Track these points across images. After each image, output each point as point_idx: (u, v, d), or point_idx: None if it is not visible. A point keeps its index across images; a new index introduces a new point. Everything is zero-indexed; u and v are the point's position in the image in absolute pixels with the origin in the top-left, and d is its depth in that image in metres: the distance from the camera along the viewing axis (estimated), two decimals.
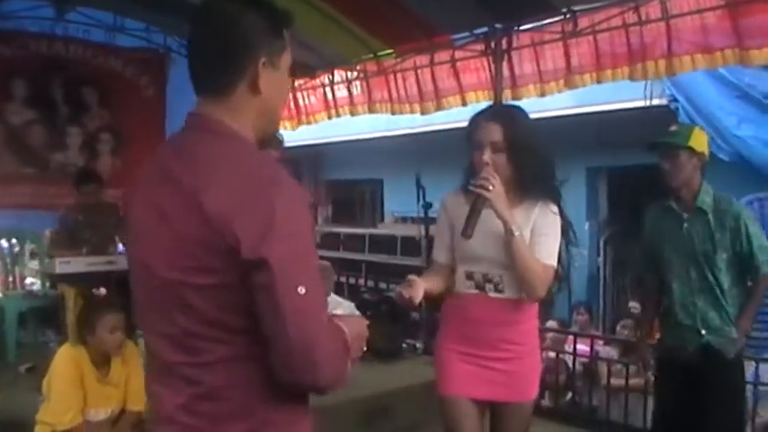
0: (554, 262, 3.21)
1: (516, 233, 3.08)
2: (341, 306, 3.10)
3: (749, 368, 5.18)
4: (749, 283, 4.17)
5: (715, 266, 4.07)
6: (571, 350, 6.96)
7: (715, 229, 4.06)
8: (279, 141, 4.53)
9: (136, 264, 1.90)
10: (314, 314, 1.72)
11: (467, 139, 3.26)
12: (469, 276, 3.31)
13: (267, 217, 1.67)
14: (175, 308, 1.76)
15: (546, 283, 3.19)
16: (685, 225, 4.13)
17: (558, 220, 3.24)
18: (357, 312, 3.25)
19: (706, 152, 4.12)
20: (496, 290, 3.26)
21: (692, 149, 4.03)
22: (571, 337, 7.21)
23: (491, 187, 3.04)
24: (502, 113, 3.34)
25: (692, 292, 4.14)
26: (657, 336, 4.53)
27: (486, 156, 3.12)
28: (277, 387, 1.77)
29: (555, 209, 3.24)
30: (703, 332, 4.10)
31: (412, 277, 3.10)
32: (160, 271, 1.78)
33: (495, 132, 3.13)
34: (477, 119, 3.26)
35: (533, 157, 3.16)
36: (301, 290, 1.68)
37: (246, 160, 1.79)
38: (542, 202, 3.21)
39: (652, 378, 4.67)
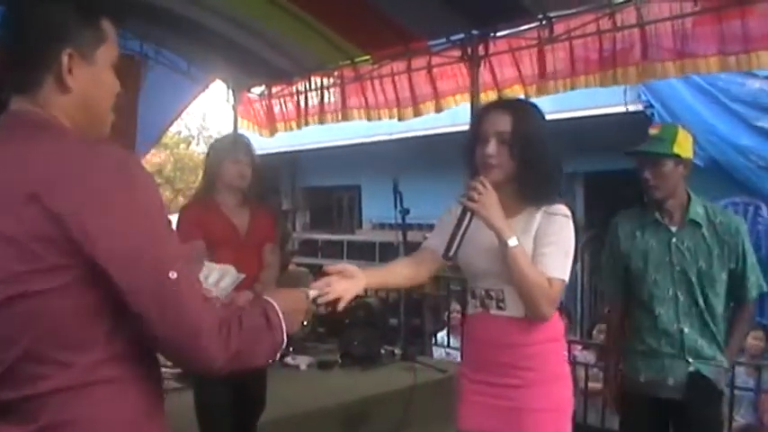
0: (563, 275, 2.80)
1: (512, 245, 2.70)
2: (214, 271, 3.02)
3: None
4: (735, 308, 3.75)
5: (710, 288, 3.59)
6: None
7: (712, 245, 3.59)
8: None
9: None
10: (191, 298, 1.63)
11: (471, 133, 2.94)
12: (473, 294, 2.99)
13: (121, 208, 1.57)
14: (10, 330, 1.56)
15: (552, 300, 2.79)
16: (674, 240, 3.64)
17: (567, 226, 2.86)
18: (236, 274, 3.15)
19: (691, 156, 3.71)
20: (498, 307, 2.89)
21: (677, 157, 3.61)
22: None
23: (476, 196, 2.70)
24: (513, 104, 3.05)
25: (679, 317, 3.62)
26: (620, 367, 3.94)
27: (491, 148, 2.79)
28: (124, 420, 1.65)
29: (563, 212, 2.87)
30: (690, 360, 3.59)
31: (327, 280, 2.58)
32: None
33: (503, 122, 2.81)
34: (484, 109, 3.02)
35: (541, 155, 2.81)
36: (172, 274, 1.59)
37: (84, 153, 1.64)
38: (547, 205, 2.85)
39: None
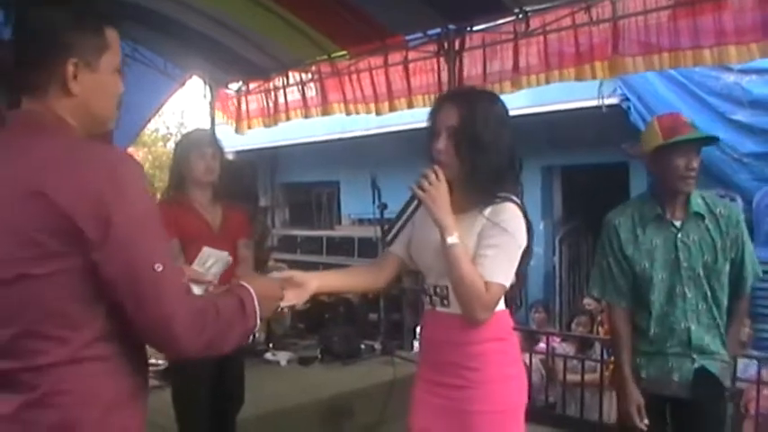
0: (503, 280, 2.65)
1: (450, 242, 2.60)
2: (211, 257, 3.07)
3: None
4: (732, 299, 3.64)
5: (716, 281, 3.52)
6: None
7: (716, 237, 3.51)
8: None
9: None
10: (170, 290, 1.78)
11: (428, 126, 2.81)
12: (425, 291, 2.89)
13: (115, 201, 1.71)
14: (11, 308, 1.74)
15: (488, 303, 2.64)
16: (679, 236, 3.54)
17: (514, 227, 2.68)
18: (228, 259, 3.20)
19: None
20: (443, 304, 2.79)
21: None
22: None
23: (426, 185, 2.62)
24: (462, 94, 2.99)
25: (687, 315, 3.53)
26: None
27: (440, 143, 2.70)
28: (111, 395, 1.82)
29: (512, 212, 2.69)
30: (695, 357, 3.52)
31: (291, 275, 2.67)
32: None
33: (451, 116, 2.70)
34: (438, 101, 2.90)
35: (488, 154, 2.66)
36: (158, 267, 1.75)
37: (85, 152, 1.80)
38: (494, 206, 2.68)
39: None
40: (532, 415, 6.29)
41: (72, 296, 1.74)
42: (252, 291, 2.00)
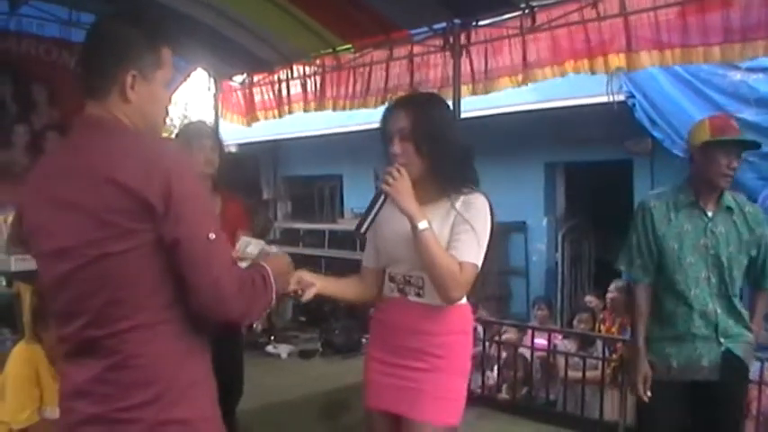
0: (475, 260, 2.90)
1: (421, 227, 2.82)
2: (251, 244, 3.16)
3: None
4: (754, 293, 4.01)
5: (737, 270, 3.79)
6: (529, 344, 7.03)
7: (742, 231, 3.80)
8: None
9: (46, 256, 2.13)
10: (220, 257, 2.09)
11: (381, 133, 3.09)
12: (392, 279, 3.11)
13: (179, 181, 2.00)
14: (96, 282, 2.00)
15: (462, 284, 2.89)
16: (709, 225, 3.79)
17: (483, 215, 2.96)
18: (268, 248, 3.33)
19: None
20: (417, 294, 3.02)
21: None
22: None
23: (391, 181, 2.85)
24: (408, 100, 3.21)
25: (712, 298, 3.76)
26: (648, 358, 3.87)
27: (396, 147, 2.96)
28: (180, 353, 2.11)
29: (481, 202, 2.98)
30: (722, 340, 3.73)
31: (300, 275, 3.00)
32: (78, 252, 2.01)
33: (400, 119, 2.97)
34: (387, 109, 3.13)
35: (443, 145, 2.94)
36: (212, 236, 2.06)
37: (146, 144, 2.12)
38: (466, 195, 2.97)
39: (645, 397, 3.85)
40: (533, 413, 6.33)
41: (146, 268, 2.01)
42: (268, 268, 2.25)
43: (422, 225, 2.83)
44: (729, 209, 3.81)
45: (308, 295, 3.04)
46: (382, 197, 2.91)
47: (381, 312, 3.20)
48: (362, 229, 2.96)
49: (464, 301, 3.07)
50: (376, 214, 2.94)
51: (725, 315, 3.76)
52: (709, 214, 3.80)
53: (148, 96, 2.17)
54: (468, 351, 3.15)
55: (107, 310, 2.02)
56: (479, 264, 2.92)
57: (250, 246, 3.51)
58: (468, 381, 3.20)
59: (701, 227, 3.79)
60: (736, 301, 3.80)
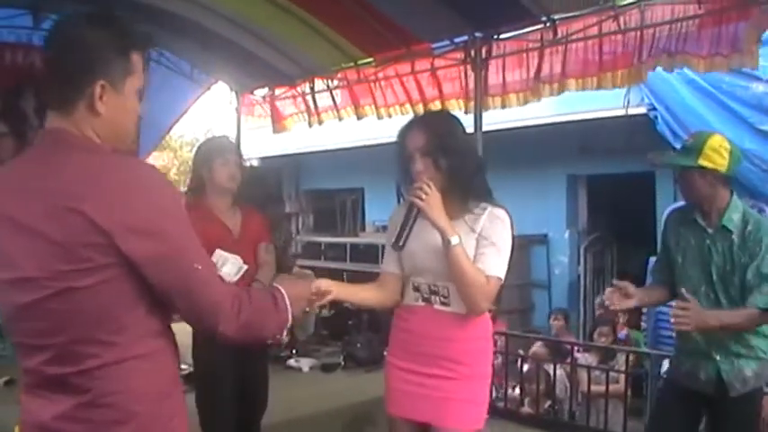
0: (500, 273, 3.05)
1: (454, 243, 2.95)
2: (228, 261, 3.16)
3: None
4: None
5: (733, 288, 3.68)
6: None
7: (741, 252, 3.67)
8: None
9: (3, 284, 1.91)
10: (212, 283, 2.00)
11: (399, 153, 3.22)
12: (416, 288, 3.22)
13: (155, 219, 1.89)
14: (61, 317, 1.85)
15: (488, 296, 3.05)
16: (707, 242, 3.76)
17: (506, 229, 3.11)
18: (241, 265, 3.31)
19: (725, 163, 3.68)
20: (442, 302, 3.14)
21: (702, 168, 3.67)
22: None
23: (423, 196, 2.96)
24: (424, 119, 3.42)
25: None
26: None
27: (418, 165, 3.08)
28: (157, 387, 1.98)
29: (504, 216, 3.12)
30: (717, 357, 3.71)
31: (318, 283, 2.99)
32: (41, 284, 1.84)
33: (418, 138, 3.10)
34: (403, 129, 3.25)
35: (459, 159, 3.08)
36: (197, 266, 1.96)
37: (116, 168, 1.92)
38: (492, 209, 3.12)
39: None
40: (556, 426, 6.30)
41: (115, 303, 1.87)
42: (282, 289, 2.19)
43: (454, 240, 2.95)
44: (727, 229, 3.71)
45: (324, 301, 3.06)
46: (415, 210, 3.02)
47: (405, 321, 3.28)
48: (401, 243, 3.07)
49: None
50: (411, 228, 3.05)
51: (723, 332, 3.68)
52: (710, 231, 3.77)
53: (119, 107, 1.98)
54: (489, 356, 3.28)
55: (73, 347, 1.86)
56: (502, 275, 3.06)
57: (227, 264, 3.53)
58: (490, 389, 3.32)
59: (702, 244, 3.79)
60: None
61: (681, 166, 3.76)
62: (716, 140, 3.71)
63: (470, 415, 3.13)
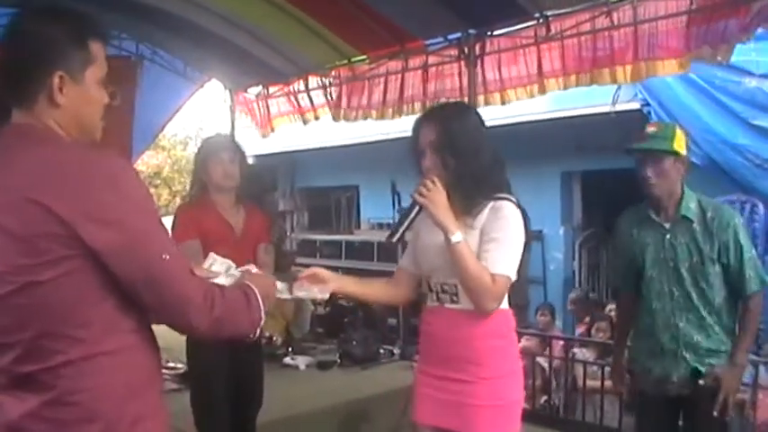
0: (507, 271, 2.88)
1: (456, 240, 2.82)
2: (216, 262, 3.20)
3: None
4: (740, 304, 3.73)
5: (704, 281, 3.63)
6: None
7: (702, 240, 3.62)
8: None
9: None
10: (181, 273, 1.94)
11: (411, 145, 3.11)
12: (430, 288, 3.11)
13: (118, 207, 1.84)
14: (25, 312, 1.82)
15: (496, 294, 2.87)
16: (667, 237, 3.71)
17: (513, 222, 2.94)
18: (232, 265, 3.39)
19: (687, 153, 3.76)
20: (452, 300, 3.01)
21: (677, 154, 3.66)
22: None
23: (426, 192, 2.86)
24: (436, 112, 3.24)
25: (674, 312, 3.69)
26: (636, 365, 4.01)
27: (428, 160, 2.99)
28: (123, 386, 1.91)
29: (509, 208, 2.95)
30: (687, 356, 3.67)
31: (312, 270, 3.01)
32: (3, 279, 1.81)
33: (430, 132, 3.00)
34: (417, 121, 3.14)
35: (468, 155, 2.95)
36: (165, 256, 1.89)
37: (81, 161, 1.88)
38: (494, 203, 2.95)
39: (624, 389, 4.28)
40: (552, 422, 6.31)
41: (79, 296, 1.83)
42: (254, 287, 2.15)
43: (455, 238, 2.83)
44: (687, 218, 3.68)
45: (322, 294, 3.00)
46: (416, 207, 2.93)
47: (425, 324, 3.18)
48: (394, 239, 3.02)
49: (504, 305, 3.01)
50: (409, 224, 2.99)
51: (692, 330, 3.67)
52: (667, 226, 3.74)
53: (80, 98, 1.97)
54: (510, 353, 3.09)
55: (39, 342, 1.82)
56: (511, 273, 2.90)
57: (215, 264, 3.56)
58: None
59: (660, 240, 3.74)
60: (706, 313, 3.66)
61: (661, 150, 3.67)
62: (680, 130, 3.79)
63: (499, 419, 2.95)
